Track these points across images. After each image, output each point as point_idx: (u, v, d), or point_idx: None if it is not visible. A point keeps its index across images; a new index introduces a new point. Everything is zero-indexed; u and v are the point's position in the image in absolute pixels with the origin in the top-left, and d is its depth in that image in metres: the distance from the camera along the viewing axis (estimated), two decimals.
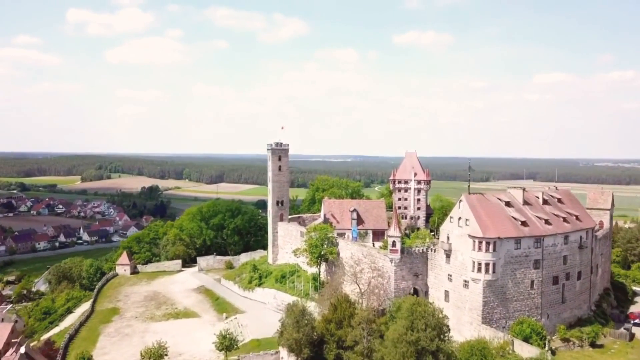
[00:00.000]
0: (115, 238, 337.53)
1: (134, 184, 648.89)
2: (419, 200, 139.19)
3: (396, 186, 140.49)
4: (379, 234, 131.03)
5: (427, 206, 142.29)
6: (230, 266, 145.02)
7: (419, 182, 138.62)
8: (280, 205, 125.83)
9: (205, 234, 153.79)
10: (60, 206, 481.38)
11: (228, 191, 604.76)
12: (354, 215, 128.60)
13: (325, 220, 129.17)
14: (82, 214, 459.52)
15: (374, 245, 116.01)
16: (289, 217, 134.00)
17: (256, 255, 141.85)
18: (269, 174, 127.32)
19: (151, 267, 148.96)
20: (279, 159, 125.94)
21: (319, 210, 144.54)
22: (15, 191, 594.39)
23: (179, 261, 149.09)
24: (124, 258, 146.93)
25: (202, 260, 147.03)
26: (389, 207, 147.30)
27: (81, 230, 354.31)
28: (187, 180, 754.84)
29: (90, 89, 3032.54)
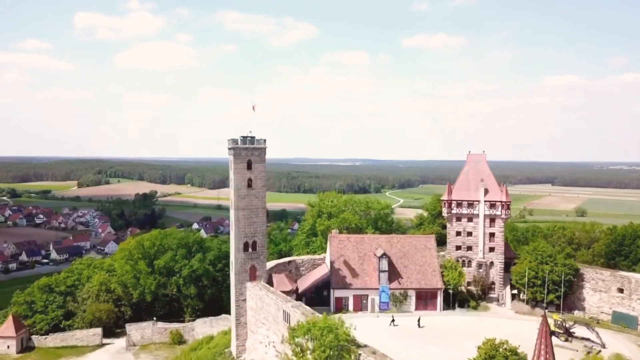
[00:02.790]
0: (91, 255, 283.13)
1: (132, 189, 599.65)
2: (492, 235, 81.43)
3: (453, 211, 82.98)
4: (427, 298, 75.64)
5: (506, 245, 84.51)
6: (178, 340, 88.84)
7: (492, 206, 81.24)
8: (250, 250, 68.55)
9: (145, 283, 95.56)
10: (41, 216, 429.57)
11: (230, 197, 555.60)
12: (383, 263, 74.89)
13: (334, 270, 74.73)
14: (62, 224, 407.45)
15: (419, 325, 60.41)
16: (273, 262, 78.58)
17: (219, 326, 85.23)
18: (231, 193, 70.40)
19: (53, 340, 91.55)
20: (249, 167, 68.24)
21: (323, 250, 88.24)
22: (5, 198, 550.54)
23: (99, 330, 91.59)
24: (8, 326, 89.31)
25: (135, 330, 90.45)
26: (439, 242, 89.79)
27: (51, 247, 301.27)
28: (188, 185, 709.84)
29: (99, 93, 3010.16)
